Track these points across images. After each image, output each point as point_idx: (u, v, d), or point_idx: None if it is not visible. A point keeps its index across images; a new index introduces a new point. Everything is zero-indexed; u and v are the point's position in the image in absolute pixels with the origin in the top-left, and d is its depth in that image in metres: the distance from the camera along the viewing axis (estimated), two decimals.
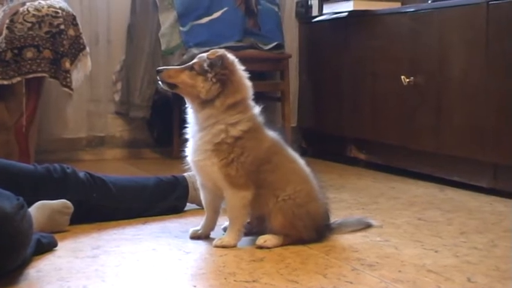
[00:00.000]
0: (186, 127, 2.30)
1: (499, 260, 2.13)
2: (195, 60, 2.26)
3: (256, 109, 2.27)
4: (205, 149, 2.21)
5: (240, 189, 2.21)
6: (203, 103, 2.21)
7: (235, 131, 2.20)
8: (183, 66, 2.28)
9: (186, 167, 2.34)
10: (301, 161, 2.34)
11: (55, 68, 3.20)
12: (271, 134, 2.30)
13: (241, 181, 2.20)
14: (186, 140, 2.31)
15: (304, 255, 2.15)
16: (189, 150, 2.28)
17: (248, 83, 2.26)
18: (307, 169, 2.33)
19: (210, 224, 2.38)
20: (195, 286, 1.87)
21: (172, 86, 2.25)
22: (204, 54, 2.27)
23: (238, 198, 2.22)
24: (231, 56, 2.24)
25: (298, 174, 2.29)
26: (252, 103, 2.27)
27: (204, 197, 2.36)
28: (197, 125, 2.25)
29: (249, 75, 2.27)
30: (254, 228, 2.34)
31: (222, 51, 2.23)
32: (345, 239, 2.35)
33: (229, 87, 2.20)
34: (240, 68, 2.26)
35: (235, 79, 2.22)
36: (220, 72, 2.19)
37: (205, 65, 2.21)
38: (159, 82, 2.28)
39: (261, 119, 2.27)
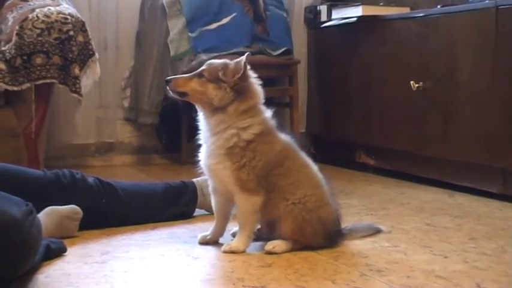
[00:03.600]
0: (197, 133, 2.31)
1: (509, 265, 2.12)
2: (204, 67, 2.26)
3: (268, 113, 2.28)
4: (219, 154, 2.21)
5: (250, 194, 2.21)
6: (215, 109, 2.22)
7: (247, 135, 2.20)
8: (191, 74, 2.28)
9: (200, 171, 2.34)
10: (314, 167, 2.33)
11: (64, 74, 3.21)
12: (284, 137, 2.30)
13: (251, 185, 2.20)
14: (198, 146, 2.31)
15: (312, 261, 2.15)
16: (202, 155, 2.29)
17: (260, 89, 2.27)
18: (319, 175, 2.33)
19: (219, 230, 2.38)
20: None
21: (182, 94, 2.26)
22: (215, 61, 2.28)
23: (250, 203, 2.22)
24: (247, 65, 2.23)
25: (310, 179, 2.29)
26: (263, 107, 2.28)
27: (215, 202, 2.36)
28: (209, 131, 2.25)
29: (260, 82, 2.28)
30: (263, 235, 2.34)
31: (243, 63, 2.21)
32: (354, 245, 2.35)
33: (243, 94, 2.21)
34: (253, 75, 2.26)
35: (249, 87, 2.23)
36: (238, 83, 2.20)
37: (220, 74, 2.21)
38: (169, 92, 2.29)
39: (272, 123, 2.28)
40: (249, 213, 2.24)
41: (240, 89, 2.20)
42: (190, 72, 2.32)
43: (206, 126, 2.26)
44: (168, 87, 2.27)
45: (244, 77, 2.21)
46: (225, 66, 2.23)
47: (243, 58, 2.21)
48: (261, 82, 2.28)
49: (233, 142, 2.19)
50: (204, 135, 2.28)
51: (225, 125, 2.21)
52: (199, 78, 2.23)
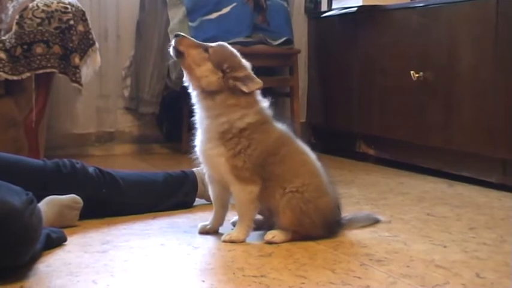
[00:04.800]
0: (193, 115, 2.29)
1: (508, 255, 2.13)
2: (214, 46, 2.23)
3: (264, 103, 2.27)
4: (212, 137, 2.20)
5: (246, 183, 2.20)
6: (203, 92, 2.20)
7: (240, 123, 2.19)
8: (201, 43, 2.25)
9: (194, 157, 2.34)
10: (312, 155, 2.32)
11: (64, 63, 3.21)
12: (280, 126, 2.30)
13: (246, 174, 2.19)
14: (195, 130, 2.30)
15: (312, 251, 2.15)
16: (198, 141, 2.28)
17: (256, 82, 2.22)
18: (317, 163, 2.32)
19: (219, 219, 2.38)
20: (203, 281, 1.87)
21: (180, 54, 2.24)
22: (227, 48, 2.25)
23: (245, 193, 2.22)
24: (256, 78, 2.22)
25: (308, 168, 2.28)
26: (259, 98, 2.26)
27: (212, 191, 2.36)
28: (202, 112, 2.24)
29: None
30: (264, 224, 2.34)
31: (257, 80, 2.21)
32: (353, 235, 2.35)
33: (235, 91, 2.19)
34: (255, 83, 2.22)
35: (245, 90, 2.19)
36: (236, 86, 2.18)
37: (225, 65, 2.19)
38: (171, 47, 2.26)
39: (269, 112, 2.27)
40: (246, 203, 2.23)
41: (233, 87, 2.19)
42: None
43: (199, 107, 2.25)
44: (172, 42, 2.25)
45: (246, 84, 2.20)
46: (237, 65, 2.20)
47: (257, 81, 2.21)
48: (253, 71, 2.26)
49: (224, 128, 2.18)
50: (199, 117, 2.26)
51: (214, 112, 2.19)
52: (204, 51, 2.21)
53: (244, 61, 2.24)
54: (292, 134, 2.33)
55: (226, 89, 2.19)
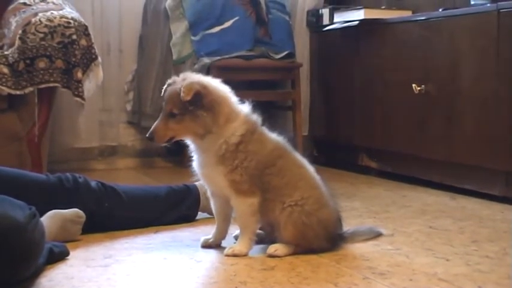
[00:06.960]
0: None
1: (511, 268, 2.12)
2: (167, 104, 2.19)
3: (245, 108, 2.26)
4: (212, 162, 2.21)
5: (246, 196, 2.21)
6: (202, 135, 2.20)
7: (234, 138, 2.19)
8: (162, 116, 2.21)
9: (195, 177, 2.35)
10: (310, 168, 2.32)
11: (67, 78, 3.22)
12: (275, 137, 2.29)
13: (245, 187, 2.20)
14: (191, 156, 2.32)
15: (315, 264, 2.15)
16: (196, 164, 2.29)
17: (226, 91, 2.23)
18: (316, 176, 2.31)
19: (221, 233, 2.38)
20: None
21: (170, 140, 2.23)
22: (171, 92, 2.20)
23: (246, 205, 2.22)
24: (201, 82, 2.19)
25: (306, 180, 2.28)
26: (237, 106, 2.25)
27: (213, 205, 2.36)
28: (199, 149, 2.25)
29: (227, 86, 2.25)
30: (266, 237, 2.34)
31: (192, 84, 2.16)
32: (356, 248, 2.35)
33: (216, 108, 2.17)
34: (213, 85, 2.22)
35: (217, 99, 2.18)
36: (206, 105, 2.16)
37: (187, 105, 2.15)
38: (162, 145, 2.27)
39: (255, 118, 2.26)
40: (247, 216, 2.23)
41: (212, 105, 2.17)
42: None
43: (196, 146, 2.26)
44: (154, 143, 2.24)
45: (207, 96, 2.17)
46: (182, 93, 2.15)
47: (191, 82, 2.17)
48: (228, 86, 2.25)
49: (224, 149, 2.19)
50: (195, 152, 2.28)
51: (214, 140, 2.19)
52: (172, 117, 2.18)
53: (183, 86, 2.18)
54: (289, 146, 2.32)
55: (212, 115, 2.17)
